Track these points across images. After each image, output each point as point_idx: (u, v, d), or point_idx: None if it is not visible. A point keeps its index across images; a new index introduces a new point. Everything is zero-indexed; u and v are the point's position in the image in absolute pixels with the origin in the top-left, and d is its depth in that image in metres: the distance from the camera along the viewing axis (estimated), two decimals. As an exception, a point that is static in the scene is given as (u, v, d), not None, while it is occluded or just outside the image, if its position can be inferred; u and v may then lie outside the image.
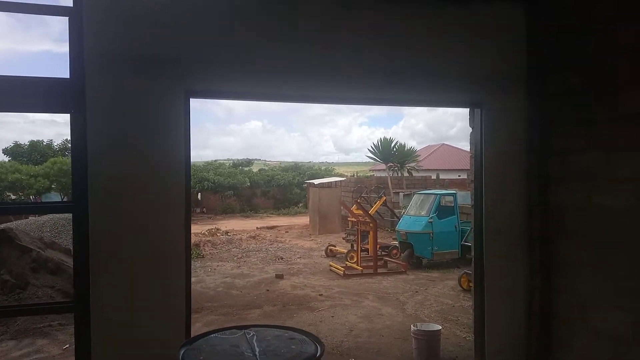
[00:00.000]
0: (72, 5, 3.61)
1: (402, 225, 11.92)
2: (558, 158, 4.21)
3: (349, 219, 13.59)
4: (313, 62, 3.99)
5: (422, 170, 27.01)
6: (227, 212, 28.45)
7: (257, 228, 20.15)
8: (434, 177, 27.01)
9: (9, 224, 10.63)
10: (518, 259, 4.42)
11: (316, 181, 24.11)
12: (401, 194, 18.74)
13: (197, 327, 5.71)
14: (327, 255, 13.05)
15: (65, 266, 7.51)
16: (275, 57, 3.90)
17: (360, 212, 12.14)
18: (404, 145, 23.80)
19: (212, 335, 2.54)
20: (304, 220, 22.65)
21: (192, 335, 3.91)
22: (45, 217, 11.50)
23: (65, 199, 24.46)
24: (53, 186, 23.80)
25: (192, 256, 3.91)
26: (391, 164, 23.33)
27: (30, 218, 12.70)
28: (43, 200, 23.53)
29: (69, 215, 12.04)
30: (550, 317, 4.29)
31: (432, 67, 4.25)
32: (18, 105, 3.70)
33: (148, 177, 3.71)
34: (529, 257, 4.41)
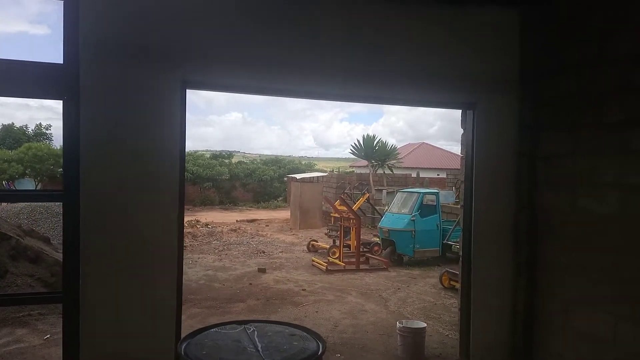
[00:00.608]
0: (67, -11, 3.51)
1: (385, 223, 12.03)
2: (546, 161, 4.30)
3: (331, 214, 13.63)
4: (309, 58, 3.98)
5: (403, 168, 27.25)
6: (206, 203, 28.20)
7: (237, 221, 20.04)
8: (414, 175, 27.27)
9: (-16, 210, 10.34)
10: (505, 259, 4.51)
11: (298, 176, 24.10)
12: (384, 192, 18.88)
13: (182, 320, 5.66)
14: (309, 250, 13.07)
15: (45, 255, 7.35)
16: (274, 52, 3.88)
17: (344, 208, 12.19)
18: (386, 143, 23.97)
19: (213, 330, 2.53)
20: (284, 214, 22.63)
21: (181, 328, 3.90)
22: (21, 204, 11.21)
23: (39, 186, 23.91)
24: (27, 172, 23.23)
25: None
26: (373, 161, 23.47)
27: (3, 204, 12.35)
28: (16, 186, 22.96)
29: (47, 204, 11.68)
30: (533, 317, 4.39)
31: (426, 67, 4.28)
32: (9, 90, 3.59)
33: (142, 168, 3.66)
34: (515, 258, 4.50)
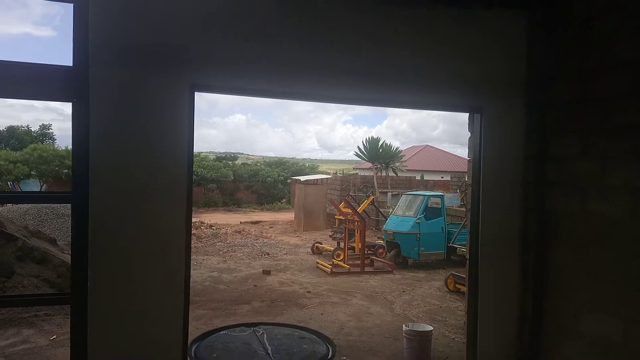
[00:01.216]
0: (77, -7, 3.53)
1: (390, 225, 12.01)
2: (555, 164, 4.29)
3: (336, 216, 13.62)
4: (316, 62, 3.98)
5: (407, 170, 27.24)
6: (210, 205, 28.25)
7: (241, 222, 20.06)
8: (418, 177, 27.25)
9: (-9, 211, 10.39)
10: (512, 262, 4.49)
11: (302, 178, 24.09)
12: (389, 194, 18.87)
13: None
14: (314, 253, 13.07)
15: (51, 256, 7.38)
16: (284, 54, 3.88)
17: (349, 210, 12.19)
18: (390, 146, 23.97)
19: (222, 332, 2.54)
20: (288, 216, 22.63)
21: (188, 330, 3.90)
22: (27, 205, 11.26)
23: (44, 187, 24.01)
24: (33, 173, 23.35)
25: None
26: (377, 163, 23.47)
27: (7, 205, 12.40)
28: (21, 187, 23.07)
29: (53, 205, 11.74)
30: (541, 321, 4.37)
31: (433, 70, 4.27)
32: (19, 92, 3.60)
33: (150, 170, 3.66)
34: (523, 261, 4.48)
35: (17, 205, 11.45)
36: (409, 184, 23.91)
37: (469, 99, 4.41)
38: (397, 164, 24.59)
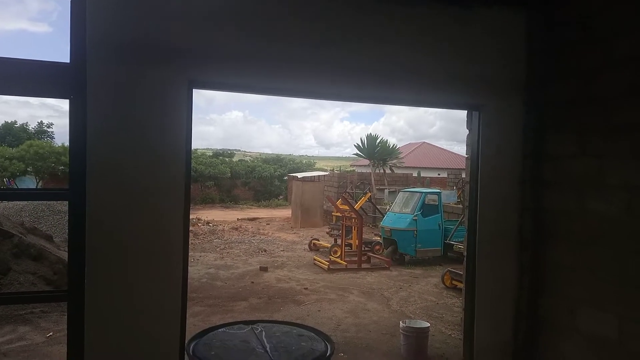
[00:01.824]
0: (74, -12, 3.50)
1: (387, 222, 12.03)
2: (552, 163, 4.30)
3: (333, 213, 13.64)
4: (317, 60, 3.97)
5: (403, 167, 27.26)
6: (207, 202, 28.22)
7: (238, 219, 20.05)
8: (415, 174, 27.29)
9: (-14, 208, 10.34)
10: (509, 260, 4.50)
11: (299, 175, 24.09)
12: (386, 191, 18.90)
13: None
14: (311, 249, 13.08)
15: (47, 252, 7.35)
16: (283, 51, 3.87)
17: (346, 207, 12.19)
18: (387, 142, 23.98)
19: (220, 330, 2.54)
20: (285, 212, 22.63)
21: (186, 327, 3.90)
22: (23, 202, 11.22)
23: (40, 183, 23.92)
24: (29, 169, 23.25)
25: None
26: (374, 160, 23.48)
27: (2, 202, 12.34)
28: (17, 184, 22.98)
29: (50, 202, 11.69)
30: (538, 318, 4.39)
31: (433, 69, 4.27)
32: (16, 89, 3.58)
33: (148, 167, 3.65)
34: (520, 259, 4.50)
35: (13, 202, 11.40)
36: (406, 181, 23.95)
37: (468, 97, 4.41)
38: (395, 161, 24.61)
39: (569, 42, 4.09)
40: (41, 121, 35.16)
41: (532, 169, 4.44)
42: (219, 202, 28.57)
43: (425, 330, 5.38)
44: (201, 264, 10.86)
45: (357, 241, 11.33)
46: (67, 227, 3.76)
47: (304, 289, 8.76)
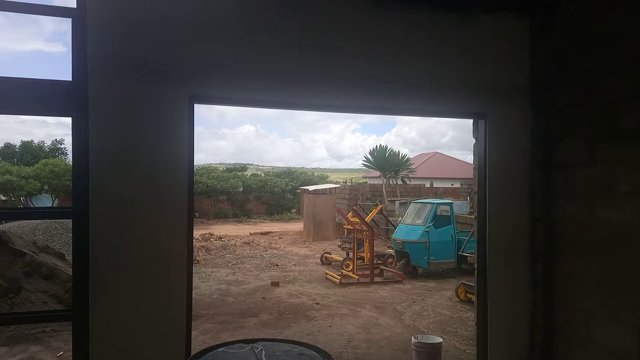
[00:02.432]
0: (75, 7, 3.54)
1: (399, 234, 11.89)
2: (561, 171, 4.20)
3: (344, 226, 13.54)
4: (317, 71, 3.95)
5: (416, 178, 27.09)
6: (220, 216, 28.30)
7: (250, 234, 20.04)
8: (427, 185, 27.07)
9: (1, 227, 10.46)
10: (521, 271, 4.39)
11: (311, 187, 24.04)
12: (397, 203, 18.74)
13: (194, 335, 5.63)
14: (323, 263, 12.97)
15: (58, 271, 7.38)
16: (286, 65, 3.85)
17: (357, 219, 12.10)
18: (398, 153, 23.87)
19: (220, 350, 2.47)
20: (297, 226, 22.57)
21: (191, 345, 3.85)
22: (37, 220, 11.34)
23: (56, 202, 24.21)
24: (45, 188, 23.56)
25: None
26: (385, 171, 23.37)
27: (16, 221, 12.49)
28: (34, 202, 23.28)
29: (63, 220, 11.78)
30: (552, 330, 4.26)
31: (436, 77, 4.23)
32: (19, 108, 3.61)
33: (151, 183, 3.64)
34: (532, 270, 4.38)
35: (26, 221, 11.53)
36: (419, 192, 23.75)
37: (473, 105, 4.35)
38: (406, 172, 24.46)
39: (573, 46, 4.03)
40: (56, 139, 35.71)
41: (541, 177, 4.35)
42: (232, 217, 28.63)
43: (437, 346, 5.24)
44: (213, 280, 10.82)
45: (369, 254, 11.20)
46: (71, 246, 3.75)
47: (316, 304, 8.66)
